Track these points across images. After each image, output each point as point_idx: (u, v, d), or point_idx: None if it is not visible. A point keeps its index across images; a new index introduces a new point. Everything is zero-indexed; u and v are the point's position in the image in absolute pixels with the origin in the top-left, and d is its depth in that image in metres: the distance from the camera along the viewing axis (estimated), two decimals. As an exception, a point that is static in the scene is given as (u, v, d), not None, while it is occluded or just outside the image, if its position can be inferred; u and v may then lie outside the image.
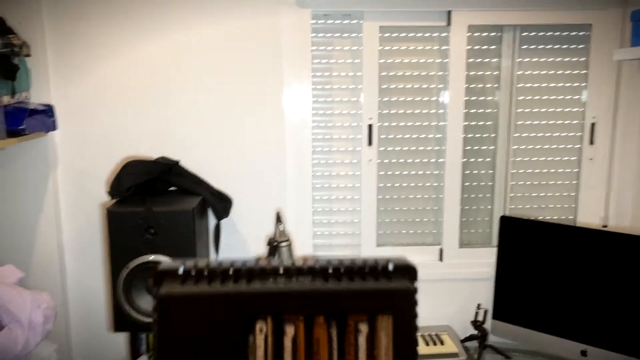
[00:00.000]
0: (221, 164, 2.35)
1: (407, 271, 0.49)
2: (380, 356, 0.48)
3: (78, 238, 2.35)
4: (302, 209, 2.39)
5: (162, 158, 2.26)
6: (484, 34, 2.39)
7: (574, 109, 2.44)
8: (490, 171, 2.49)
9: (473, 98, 2.42)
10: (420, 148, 2.45)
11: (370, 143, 2.40)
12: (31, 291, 1.61)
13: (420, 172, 2.47)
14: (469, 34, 2.36)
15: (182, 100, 2.30)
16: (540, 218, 2.48)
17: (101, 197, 2.33)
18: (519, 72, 2.42)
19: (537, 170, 2.48)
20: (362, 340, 0.47)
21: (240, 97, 2.31)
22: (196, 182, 2.27)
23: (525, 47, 2.40)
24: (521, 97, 2.43)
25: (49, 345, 1.70)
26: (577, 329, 2.11)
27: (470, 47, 2.38)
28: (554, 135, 2.46)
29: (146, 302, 1.98)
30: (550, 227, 2.15)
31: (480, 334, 2.36)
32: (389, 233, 2.51)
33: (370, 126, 2.39)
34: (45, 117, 2.16)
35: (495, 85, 2.43)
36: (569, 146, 2.46)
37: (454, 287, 2.49)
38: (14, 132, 1.94)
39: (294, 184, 2.37)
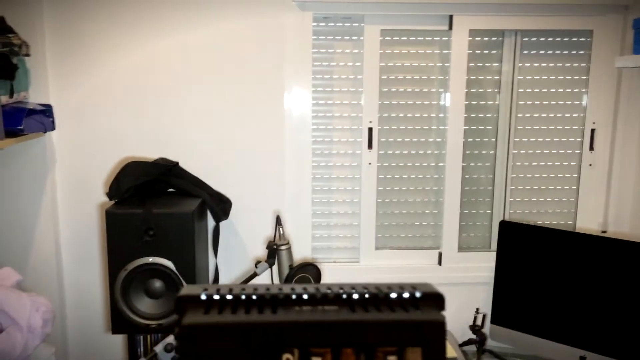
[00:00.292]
0: (220, 166, 2.34)
1: (435, 299, 0.48)
2: (409, 390, 0.47)
3: (76, 239, 2.34)
4: (301, 211, 2.38)
5: (162, 159, 2.24)
6: (485, 39, 2.39)
7: (574, 115, 2.44)
8: (490, 176, 2.49)
9: (473, 102, 2.42)
10: (420, 152, 2.44)
11: (370, 146, 2.40)
12: (30, 294, 1.60)
13: (420, 176, 2.46)
14: (470, 39, 2.35)
15: (182, 102, 2.28)
16: (539, 223, 2.48)
17: (99, 198, 2.32)
18: (519, 77, 2.41)
19: (537, 176, 2.48)
20: (391, 374, 0.46)
21: (241, 99, 2.30)
22: (195, 184, 2.25)
23: (526, 52, 2.40)
24: (521, 102, 2.43)
25: (47, 349, 1.68)
26: (575, 335, 2.11)
27: (471, 51, 2.38)
28: (554, 140, 2.46)
29: (144, 304, 1.97)
30: (549, 232, 2.16)
31: (479, 338, 2.36)
32: (387, 236, 2.51)
33: (370, 129, 2.39)
34: (43, 117, 2.14)
35: (496, 90, 2.43)
36: (569, 151, 2.47)
37: (453, 291, 2.49)
38: (12, 132, 1.93)
39: (294, 187, 2.37)
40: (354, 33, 2.34)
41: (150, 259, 1.93)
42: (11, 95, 1.99)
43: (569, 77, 2.42)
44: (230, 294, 0.48)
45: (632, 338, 1.99)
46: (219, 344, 0.43)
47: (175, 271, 1.94)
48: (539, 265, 2.18)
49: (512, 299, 2.24)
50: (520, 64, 2.41)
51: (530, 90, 2.42)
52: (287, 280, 1.96)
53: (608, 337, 2.04)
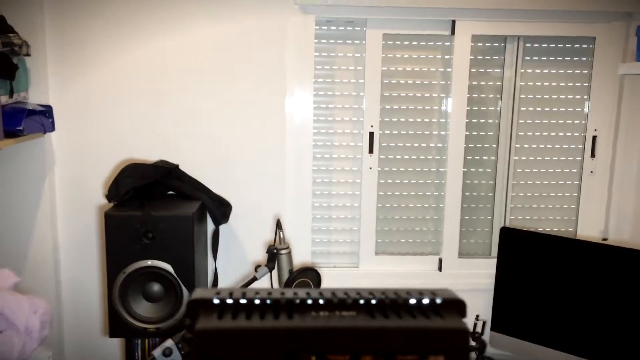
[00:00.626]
0: (221, 169, 2.32)
1: (456, 306, 0.47)
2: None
3: (74, 241, 2.32)
4: (301, 215, 2.37)
5: (162, 161, 2.23)
6: (488, 44, 2.39)
7: (576, 122, 2.44)
8: (491, 182, 2.48)
9: (475, 108, 2.42)
10: (421, 157, 2.44)
11: (371, 151, 2.39)
12: (28, 296, 1.58)
13: (420, 181, 2.45)
14: (472, 44, 2.35)
15: (183, 104, 2.27)
16: (540, 230, 2.47)
17: (98, 200, 2.30)
18: (521, 83, 2.41)
19: (538, 182, 2.48)
20: (412, 383, 0.45)
21: (242, 102, 2.29)
22: (195, 187, 2.24)
23: (528, 58, 2.39)
24: (523, 108, 2.43)
25: (45, 351, 1.66)
26: (576, 342, 2.10)
27: (473, 56, 2.37)
28: (555, 147, 2.45)
29: (142, 307, 1.96)
30: (550, 239, 2.15)
31: (479, 345, 2.34)
32: (387, 242, 2.49)
33: (371, 134, 2.38)
34: (43, 118, 2.12)
35: (498, 96, 2.42)
36: (570, 158, 2.46)
37: (452, 297, 2.47)
38: (11, 132, 1.91)
39: (294, 191, 2.35)
40: (356, 37, 2.34)
41: (149, 262, 1.92)
42: (11, 96, 1.98)
43: (571, 84, 2.41)
44: (244, 297, 0.46)
45: (633, 346, 1.98)
46: (233, 350, 0.42)
47: (174, 274, 1.93)
48: (539, 272, 2.17)
49: (513, 306, 2.23)
50: (522, 70, 2.40)
51: (532, 96, 2.42)
52: (287, 284, 1.94)
53: (608, 344, 2.03)
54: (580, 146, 2.45)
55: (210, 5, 2.22)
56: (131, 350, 2.13)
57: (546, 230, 2.50)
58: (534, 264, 2.18)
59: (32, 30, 2.11)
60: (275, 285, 2.14)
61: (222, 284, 2.37)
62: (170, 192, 2.22)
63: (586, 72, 2.40)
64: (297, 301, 0.45)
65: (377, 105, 2.36)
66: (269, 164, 2.33)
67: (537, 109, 2.43)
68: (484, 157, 2.46)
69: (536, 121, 2.44)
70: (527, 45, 2.38)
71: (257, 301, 0.46)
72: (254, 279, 2.03)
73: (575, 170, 2.47)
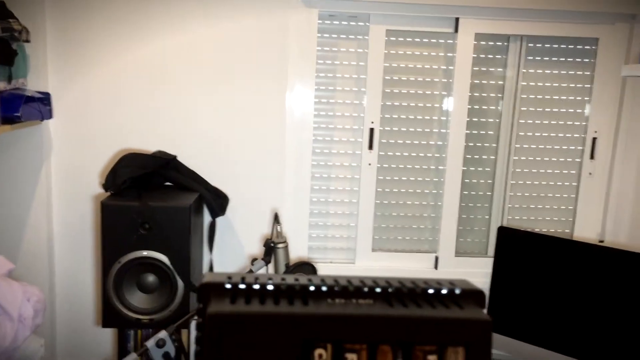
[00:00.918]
0: (219, 161, 2.31)
1: (475, 297, 0.46)
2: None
3: (69, 230, 2.30)
4: (298, 210, 2.36)
5: (160, 152, 2.21)
6: (490, 43, 2.38)
7: (576, 123, 2.43)
8: (490, 181, 2.48)
9: (476, 107, 2.41)
10: (421, 154, 2.43)
11: (370, 147, 2.38)
12: (21, 283, 1.56)
13: (419, 179, 2.44)
14: (475, 42, 2.34)
15: (182, 95, 2.25)
16: (537, 230, 2.47)
17: (94, 189, 2.28)
18: (523, 83, 2.40)
19: (537, 182, 2.47)
20: (431, 374, 0.43)
21: (242, 94, 2.27)
22: (193, 178, 2.22)
23: (530, 58, 2.38)
24: (524, 108, 2.42)
25: (37, 340, 1.64)
26: (572, 343, 2.09)
27: (475, 55, 2.36)
28: (554, 148, 2.45)
29: (136, 298, 1.94)
30: (547, 240, 2.14)
31: (473, 344, 2.34)
32: (384, 238, 2.48)
33: (371, 130, 2.37)
34: (41, 105, 2.10)
35: (499, 95, 2.42)
36: (569, 159, 2.45)
37: (448, 296, 2.47)
38: (9, 118, 1.89)
39: (292, 185, 2.34)
40: (359, 32, 2.32)
41: (145, 253, 1.90)
42: (9, 82, 1.95)
43: (573, 85, 2.41)
44: (257, 283, 0.45)
45: (629, 348, 1.98)
46: (247, 335, 0.40)
47: (170, 266, 1.91)
48: (535, 273, 2.16)
49: (508, 306, 2.22)
50: (525, 70, 2.39)
51: (533, 96, 2.41)
52: (284, 278, 1.93)
53: (604, 346, 2.03)
54: (580, 147, 2.45)
55: (211, 3, 2.20)
56: (124, 341, 2.11)
57: (543, 230, 2.49)
58: (530, 264, 2.17)
59: (33, 16, 2.09)
60: (271, 279, 2.13)
61: (217, 277, 2.35)
62: (168, 183, 2.20)
63: (588, 73, 2.40)
64: (312, 288, 0.44)
65: (378, 101, 2.35)
66: (268, 158, 2.32)
67: (538, 109, 2.42)
68: (484, 156, 2.45)
69: (536, 121, 2.43)
70: (529, 45, 2.37)
71: (270, 287, 0.44)
72: (250, 273, 2.01)
73: (574, 172, 2.47)
